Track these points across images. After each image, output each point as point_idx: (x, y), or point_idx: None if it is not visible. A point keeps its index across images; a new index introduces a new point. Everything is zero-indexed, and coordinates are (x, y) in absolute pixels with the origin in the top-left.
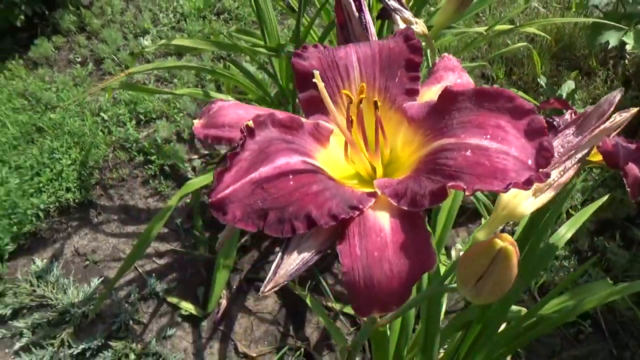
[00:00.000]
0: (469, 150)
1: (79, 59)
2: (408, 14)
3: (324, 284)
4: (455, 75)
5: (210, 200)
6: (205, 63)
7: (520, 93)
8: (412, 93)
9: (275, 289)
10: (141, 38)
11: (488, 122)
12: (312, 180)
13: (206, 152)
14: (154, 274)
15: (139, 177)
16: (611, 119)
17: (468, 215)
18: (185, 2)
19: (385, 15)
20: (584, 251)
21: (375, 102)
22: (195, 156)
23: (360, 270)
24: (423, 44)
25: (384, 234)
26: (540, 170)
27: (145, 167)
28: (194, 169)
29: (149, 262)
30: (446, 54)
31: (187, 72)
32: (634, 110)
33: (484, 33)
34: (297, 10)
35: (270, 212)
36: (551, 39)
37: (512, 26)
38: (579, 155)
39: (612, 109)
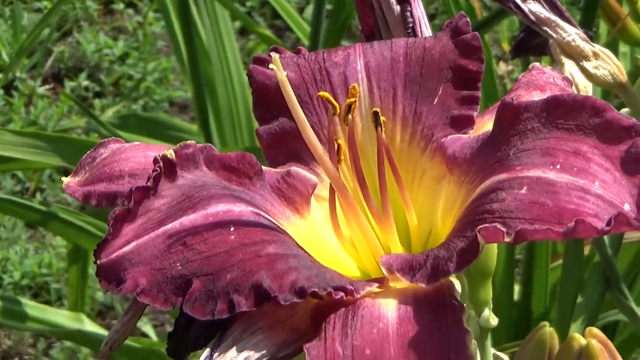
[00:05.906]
0: (525, 187)
1: None
2: (573, 33)
3: None
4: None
5: (99, 261)
6: None
7: None
8: (462, 122)
9: None
10: None
11: (560, 147)
12: (267, 238)
13: None
14: None
15: None
16: None
17: None
18: None
19: (527, 45)
20: None
21: (376, 115)
22: None
23: None
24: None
25: (384, 323)
26: None
27: None
28: None
29: None
30: (537, 64)
31: None
32: None
33: None
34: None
35: (194, 280)
36: None
37: None
38: None
39: None
